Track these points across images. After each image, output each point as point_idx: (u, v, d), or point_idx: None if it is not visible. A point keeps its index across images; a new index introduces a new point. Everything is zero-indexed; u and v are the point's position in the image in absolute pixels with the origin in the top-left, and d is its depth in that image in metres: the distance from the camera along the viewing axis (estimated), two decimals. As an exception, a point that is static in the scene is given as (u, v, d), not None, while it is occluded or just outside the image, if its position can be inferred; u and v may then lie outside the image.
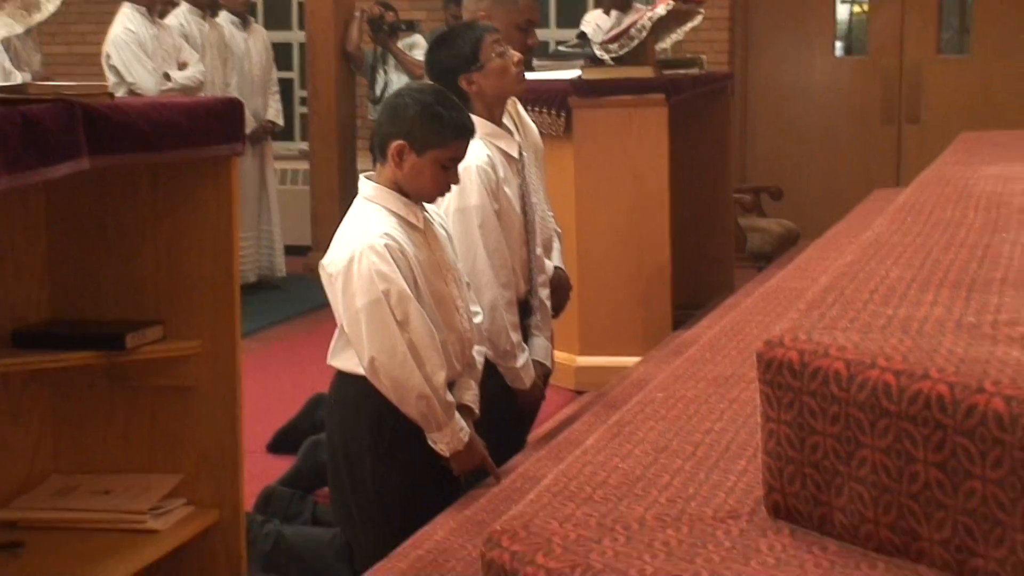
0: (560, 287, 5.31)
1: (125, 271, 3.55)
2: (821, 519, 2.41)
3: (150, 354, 3.46)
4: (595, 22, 9.73)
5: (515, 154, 4.75)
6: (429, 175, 4.12)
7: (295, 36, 12.56)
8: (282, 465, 5.56)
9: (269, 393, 6.90)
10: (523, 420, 5.11)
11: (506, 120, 5.01)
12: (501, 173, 4.66)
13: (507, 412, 4.81)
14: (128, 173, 3.46)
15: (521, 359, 4.76)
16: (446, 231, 4.39)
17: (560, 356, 6.89)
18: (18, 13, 3.22)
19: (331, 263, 4.07)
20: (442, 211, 4.52)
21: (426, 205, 4.32)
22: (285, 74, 12.62)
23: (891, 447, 2.29)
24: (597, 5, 11.02)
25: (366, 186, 4.19)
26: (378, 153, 4.19)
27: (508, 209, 4.70)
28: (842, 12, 12.10)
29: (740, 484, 2.75)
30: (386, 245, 4.00)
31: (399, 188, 4.16)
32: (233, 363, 3.53)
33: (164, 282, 3.54)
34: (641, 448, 3.01)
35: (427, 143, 4.10)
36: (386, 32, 10.61)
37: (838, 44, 12.10)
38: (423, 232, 4.18)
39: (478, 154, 4.58)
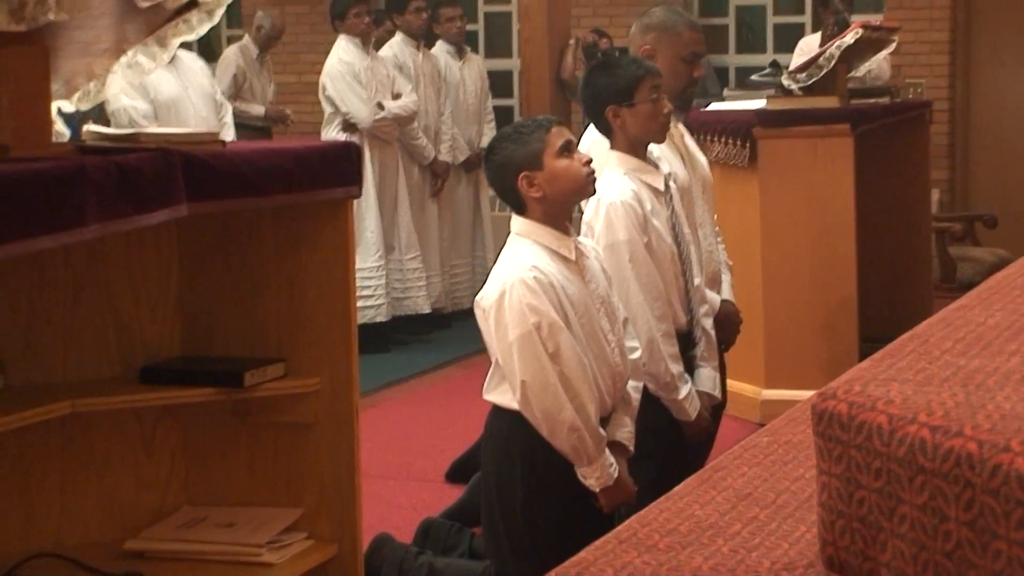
0: (728, 321, 5.28)
1: (250, 309, 3.66)
2: (869, 573, 2.38)
3: (271, 391, 3.56)
4: (809, 47, 9.64)
5: (661, 187, 4.75)
6: (562, 172, 4.18)
7: (514, 64, 12.71)
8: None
9: (460, 419, 7.01)
10: (695, 452, 5.09)
11: (671, 151, 5.02)
12: (648, 206, 4.67)
13: (676, 445, 4.81)
14: (252, 215, 3.57)
15: (683, 391, 4.75)
16: (600, 264, 4.42)
17: (746, 389, 6.86)
18: (149, 52, 3.35)
19: (484, 298, 4.17)
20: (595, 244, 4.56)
21: (581, 240, 4.37)
22: (506, 101, 12.80)
23: (927, 504, 2.26)
24: (816, 29, 10.95)
25: (516, 222, 4.26)
26: (515, 207, 4.25)
27: (659, 241, 4.70)
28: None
29: (807, 536, 2.72)
30: (535, 278, 4.07)
31: (552, 218, 4.21)
32: (351, 400, 3.61)
33: (286, 321, 3.65)
34: (724, 495, 3.00)
35: (534, 155, 4.17)
36: (599, 59, 10.67)
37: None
38: (575, 264, 4.22)
39: (623, 189, 4.62)
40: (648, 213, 4.67)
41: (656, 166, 4.80)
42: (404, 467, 6.68)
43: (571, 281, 4.17)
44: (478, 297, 4.20)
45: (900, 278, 7.81)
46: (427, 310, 9.94)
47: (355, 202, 9.11)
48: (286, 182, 3.30)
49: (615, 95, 4.68)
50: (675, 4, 12.06)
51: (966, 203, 11.49)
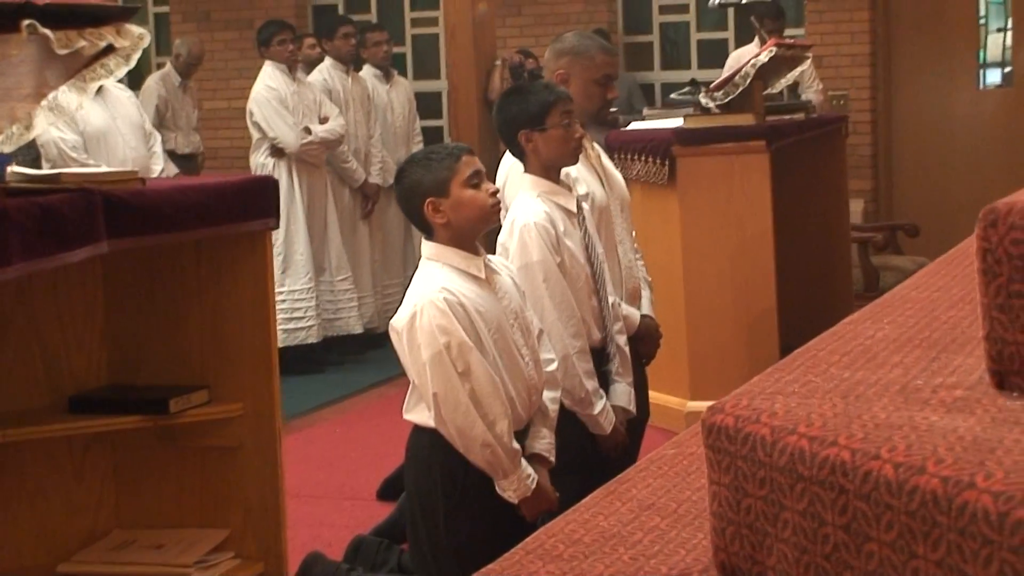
0: (649, 335, 5.39)
1: (174, 339, 3.80)
2: (758, 577, 2.53)
3: (196, 416, 3.70)
4: (738, 61, 9.80)
5: (574, 208, 4.87)
6: (468, 202, 4.26)
7: (443, 85, 12.86)
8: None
9: (393, 437, 7.14)
10: (618, 464, 5.22)
11: (589, 172, 5.16)
12: (561, 227, 4.77)
13: (598, 457, 4.94)
14: (175, 249, 3.70)
15: (598, 406, 4.86)
16: (514, 280, 4.52)
17: (671, 401, 7.02)
18: (77, 85, 3.46)
19: (398, 320, 4.26)
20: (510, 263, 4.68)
21: (492, 258, 4.50)
22: (435, 122, 12.94)
23: (806, 510, 2.40)
24: (740, 44, 11.12)
25: (426, 247, 4.35)
26: (424, 231, 4.37)
27: (572, 261, 4.81)
28: (992, 44, 12.00)
29: (704, 543, 2.85)
30: (445, 299, 4.17)
31: (460, 241, 4.32)
32: (273, 423, 3.75)
33: (209, 349, 3.78)
34: (628, 506, 3.14)
35: (442, 181, 4.26)
36: (526, 79, 10.82)
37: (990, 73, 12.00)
38: (486, 282, 4.33)
39: (535, 211, 4.73)
40: (561, 234, 4.77)
41: (569, 188, 4.92)
42: (337, 486, 6.80)
43: (483, 298, 4.28)
44: (392, 320, 4.30)
45: (821, 288, 7.98)
46: (359, 330, 10.06)
47: (284, 226, 9.32)
48: (204, 217, 3.44)
49: (527, 120, 4.79)
50: (600, 21, 12.28)
51: (890, 212, 11.70)
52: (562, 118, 4.79)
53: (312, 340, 9.74)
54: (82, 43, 3.15)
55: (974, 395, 2.58)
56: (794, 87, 9.32)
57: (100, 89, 7.90)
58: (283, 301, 9.61)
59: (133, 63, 3.37)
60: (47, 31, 3.04)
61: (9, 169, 3.35)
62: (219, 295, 3.74)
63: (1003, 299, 2.57)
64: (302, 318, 9.68)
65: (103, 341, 3.83)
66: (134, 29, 3.27)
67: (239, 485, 3.81)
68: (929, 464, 2.16)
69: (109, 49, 3.32)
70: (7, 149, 3.46)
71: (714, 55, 12.34)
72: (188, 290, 3.77)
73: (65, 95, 3.26)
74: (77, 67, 3.37)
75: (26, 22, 3.01)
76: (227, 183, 3.60)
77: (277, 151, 9.70)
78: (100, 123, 8.01)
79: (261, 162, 9.74)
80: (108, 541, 3.83)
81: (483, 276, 4.32)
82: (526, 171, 4.87)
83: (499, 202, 4.39)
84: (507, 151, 5.07)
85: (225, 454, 3.79)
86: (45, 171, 3.31)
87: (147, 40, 3.31)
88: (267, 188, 3.66)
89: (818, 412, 2.52)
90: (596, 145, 5.39)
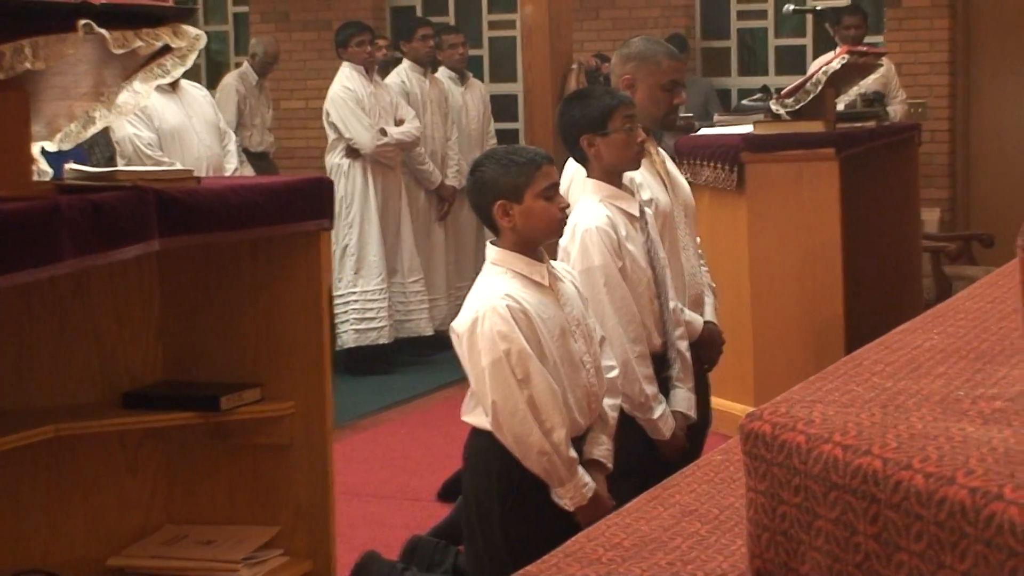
0: (711, 342, 5.37)
1: (229, 337, 3.84)
2: (792, 584, 2.53)
3: (247, 414, 3.73)
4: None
5: (636, 213, 4.87)
6: (539, 213, 4.27)
7: (519, 88, 12.89)
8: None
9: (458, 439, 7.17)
10: (674, 471, 5.22)
11: (653, 178, 5.16)
12: (623, 232, 4.77)
13: (657, 463, 4.93)
14: (231, 247, 3.74)
15: (658, 411, 4.86)
16: (577, 287, 4.53)
17: (735, 407, 7.00)
18: (153, 75, 3.51)
19: (459, 325, 4.29)
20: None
21: (556, 264, 4.51)
22: (511, 125, 12.97)
23: (839, 519, 2.40)
24: (818, 52, 11.09)
25: (491, 251, 4.37)
26: (489, 227, 4.39)
27: (633, 266, 4.81)
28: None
29: (742, 549, 2.85)
30: (507, 306, 4.18)
31: (524, 247, 4.33)
32: (324, 422, 3.77)
33: (263, 347, 3.82)
34: (670, 511, 3.15)
35: (518, 187, 4.26)
36: (602, 83, 10.82)
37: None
38: (549, 289, 4.34)
39: (597, 215, 4.73)
40: (622, 239, 4.78)
41: (632, 193, 4.92)
42: (399, 487, 6.84)
43: (545, 306, 4.29)
44: (453, 323, 4.33)
45: (891, 298, 7.93)
46: (430, 332, 10.10)
47: (359, 227, 9.38)
48: (257, 216, 3.47)
49: (589, 125, 4.79)
50: (677, 26, 12.26)
51: (967, 222, 11.60)
52: (624, 122, 4.79)
53: (383, 341, 9.80)
54: (138, 43, 3.19)
55: (1013, 407, 2.57)
56: (879, 97, 9.28)
57: (176, 87, 8.02)
58: (356, 301, 9.69)
59: (190, 63, 3.41)
60: (103, 31, 3.09)
61: (67, 166, 3.40)
62: (273, 295, 3.78)
63: (1044, 310, 2.56)
64: (374, 319, 9.74)
65: (158, 337, 3.87)
66: (190, 30, 3.31)
67: (289, 483, 3.84)
68: (959, 475, 2.16)
69: (166, 49, 3.36)
70: (66, 147, 3.52)
71: (792, 62, 12.31)
72: (242, 289, 3.81)
73: (124, 95, 3.31)
74: (135, 67, 3.42)
75: (82, 22, 3.05)
76: (281, 183, 3.63)
77: (353, 152, 9.77)
78: (175, 121, 8.09)
79: (336, 163, 9.82)
80: (159, 536, 3.88)
81: (546, 283, 4.33)
82: (588, 176, 4.87)
83: (567, 216, 4.40)
84: (571, 157, 5.09)
85: (276, 452, 3.83)
86: (102, 169, 3.34)
87: (203, 41, 3.35)
88: (321, 189, 3.69)
89: (855, 421, 2.52)
90: (661, 151, 5.39)
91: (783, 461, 2.54)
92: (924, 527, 2.25)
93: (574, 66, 10.97)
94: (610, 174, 4.84)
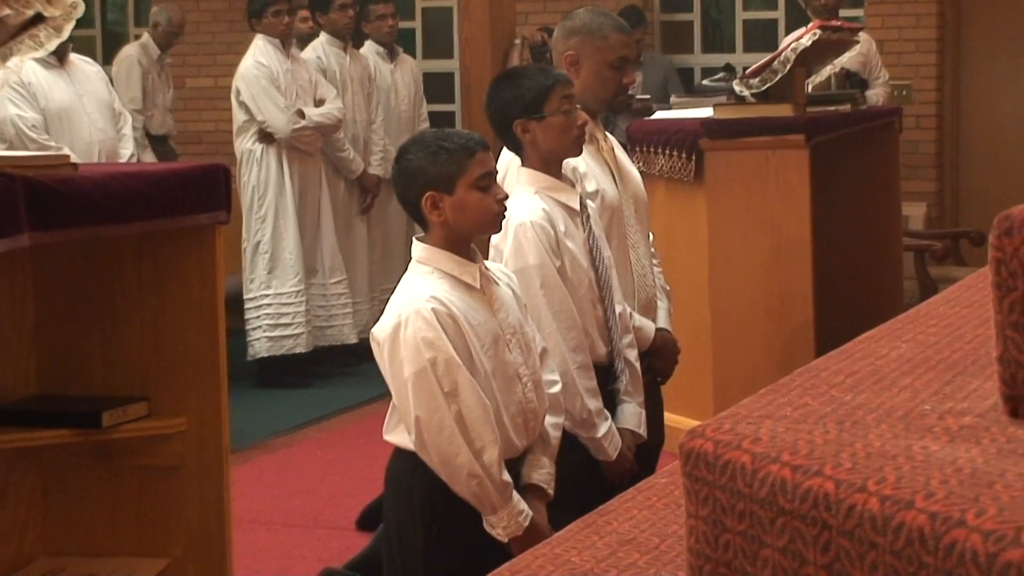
0: (665, 351, 5.36)
1: (112, 345, 3.81)
2: (737, 621, 2.53)
3: (133, 432, 3.71)
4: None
5: (576, 206, 4.86)
6: (472, 206, 4.25)
7: (455, 65, 12.89)
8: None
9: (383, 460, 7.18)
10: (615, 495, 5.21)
11: (600, 167, 5.15)
12: (561, 227, 4.76)
13: (596, 488, 4.93)
14: (113, 244, 3.72)
15: (602, 428, 4.84)
16: (514, 292, 4.52)
17: (692, 425, 7.01)
18: (25, 47, 3.48)
19: (379, 331, 4.25)
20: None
21: (491, 265, 4.49)
22: (446, 107, 12.97)
23: (787, 547, 2.41)
24: (792, 26, 11.12)
25: (417, 248, 4.33)
26: (417, 221, 4.37)
27: (573, 265, 4.79)
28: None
29: (683, 582, 2.87)
30: (433, 310, 4.15)
31: (455, 244, 4.32)
32: (220, 441, 3.76)
33: (150, 356, 3.80)
34: (606, 540, 3.15)
35: (449, 176, 4.24)
36: (549, 60, 10.81)
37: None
38: (481, 292, 4.33)
39: (532, 209, 4.72)
40: (561, 235, 4.75)
41: (572, 184, 4.92)
42: (314, 514, 6.83)
43: (476, 311, 4.27)
44: (373, 330, 4.30)
45: (867, 302, 7.95)
46: (353, 340, 10.09)
47: (272, 221, 9.36)
48: (144, 208, 3.46)
49: (522, 108, 4.77)
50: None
51: (956, 218, 11.68)
52: (562, 103, 4.77)
53: (300, 350, 9.78)
54: (6, 11, 3.17)
55: (983, 423, 2.59)
56: (860, 78, 9.32)
57: (64, 62, 7.98)
58: (269, 305, 9.66)
59: (66, 35, 3.39)
60: (-38, -5, 3.07)
61: (-74, 150, 3.38)
62: (162, 297, 3.76)
63: (1017, 316, 2.58)
64: (289, 324, 9.72)
65: (32, 345, 3.84)
66: (67, -5, 3.28)
67: (180, 510, 3.82)
68: (918, 498, 2.16)
69: (39, 19, 3.34)
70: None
71: (762, 37, 12.37)
72: (127, 291, 3.78)
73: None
74: (3, 38, 3.40)
75: (-63, -15, 3.04)
76: (170, 171, 3.62)
77: (266, 136, 9.74)
78: (64, 100, 8.07)
79: (248, 148, 9.78)
80: (33, 570, 3.85)
81: (478, 286, 4.31)
82: (523, 165, 4.85)
83: (505, 209, 4.39)
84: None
85: (165, 474, 3.81)
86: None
87: (81, 9, 3.33)
88: (217, 177, 3.68)
89: (807, 439, 2.53)
90: (610, 136, 5.38)
91: (726, 484, 2.54)
92: (879, 556, 2.26)
93: (517, 41, 10.98)
94: (548, 163, 4.83)
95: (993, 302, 2.59)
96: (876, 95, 9.88)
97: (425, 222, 4.32)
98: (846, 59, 7.76)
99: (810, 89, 7.73)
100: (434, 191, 4.24)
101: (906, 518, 2.14)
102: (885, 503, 2.24)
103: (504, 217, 4.41)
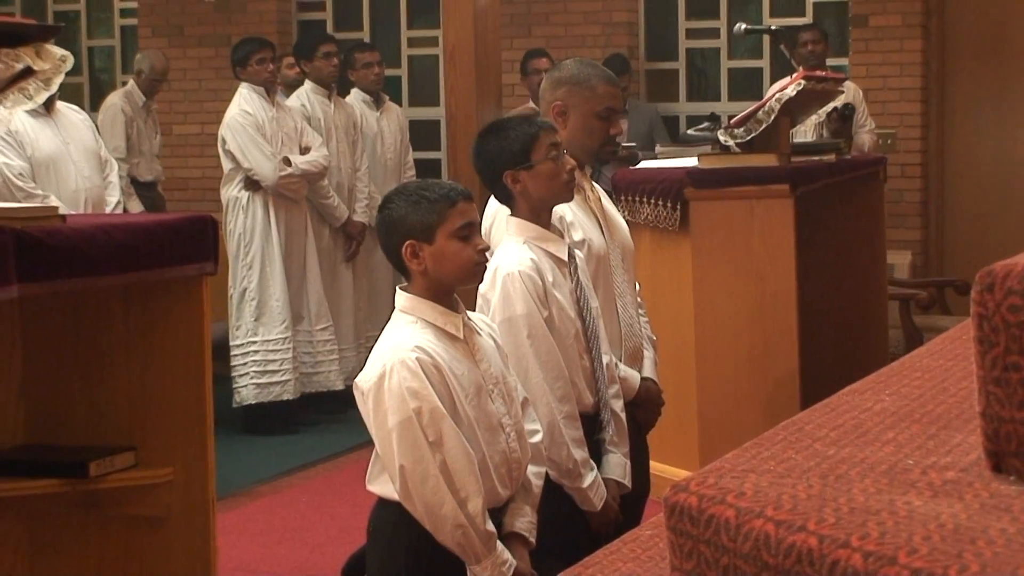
0: (650, 401, 5.37)
1: (99, 395, 3.83)
2: None
3: (120, 482, 3.73)
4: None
5: (564, 256, 4.87)
6: (451, 256, 4.27)
7: (441, 113, 12.91)
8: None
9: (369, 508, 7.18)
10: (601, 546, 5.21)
11: (586, 216, 5.17)
12: (549, 277, 4.77)
13: (581, 538, 4.93)
14: (101, 295, 3.75)
15: (588, 478, 4.84)
16: (496, 342, 4.54)
17: (678, 474, 7.02)
18: (14, 100, 3.51)
19: (363, 381, 4.26)
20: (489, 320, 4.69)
21: (473, 315, 4.51)
22: (432, 154, 12.99)
23: (771, 603, 2.42)
24: (777, 75, 11.17)
25: (400, 297, 4.34)
26: (400, 271, 4.39)
27: (561, 316, 4.80)
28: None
29: (668, 636, 2.87)
30: (418, 359, 4.16)
31: (436, 294, 4.32)
32: (206, 491, 3.77)
33: (137, 406, 3.82)
34: (586, 594, 3.16)
35: (428, 226, 4.26)
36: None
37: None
38: (464, 343, 4.35)
39: (521, 259, 4.73)
40: (548, 285, 4.76)
41: (561, 234, 4.93)
42: (299, 563, 6.82)
43: (459, 361, 4.28)
44: (357, 379, 4.30)
45: (853, 352, 7.98)
46: (340, 386, 10.09)
47: (259, 269, 9.38)
48: (131, 260, 3.48)
49: (511, 158, 4.78)
50: (619, 46, 12.34)
51: (940, 266, 11.69)
52: (549, 150, 4.79)
53: (287, 396, 9.79)
54: (-4, 64, 3.20)
55: (967, 477, 2.60)
56: (852, 106, 9.32)
57: (51, 110, 7.99)
58: (256, 352, 9.67)
59: (55, 88, 3.42)
60: (-46, 50, 3.09)
61: (-85, 202, 3.40)
62: (149, 348, 3.78)
63: (999, 372, 2.59)
64: (276, 371, 9.73)
65: (20, 395, 3.86)
66: (55, 50, 3.31)
67: (166, 560, 3.83)
68: (901, 554, 2.18)
69: (28, 72, 3.37)
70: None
71: (747, 86, 12.40)
72: (115, 341, 3.80)
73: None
74: (-7, 92, 3.42)
75: (-69, 39, 3.06)
76: (158, 222, 3.64)
77: (252, 184, 9.77)
78: (50, 148, 8.07)
79: (234, 195, 9.81)
80: (19, 620, 3.87)
81: (461, 336, 4.32)
82: (513, 214, 4.86)
83: (486, 260, 4.40)
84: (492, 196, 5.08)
85: (152, 524, 3.82)
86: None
87: (70, 63, 3.36)
88: (204, 229, 3.70)
89: (790, 493, 2.54)
90: (596, 186, 5.40)
91: (710, 538, 2.55)
92: (863, 613, 2.27)
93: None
94: (538, 212, 4.84)
95: (975, 357, 2.60)
96: (863, 142, 9.91)
97: (407, 271, 4.34)
98: (830, 108, 7.79)
99: (811, 127, 7.77)
100: (414, 240, 4.26)
101: (889, 574, 2.15)
102: (868, 559, 2.25)
103: (484, 268, 4.43)
